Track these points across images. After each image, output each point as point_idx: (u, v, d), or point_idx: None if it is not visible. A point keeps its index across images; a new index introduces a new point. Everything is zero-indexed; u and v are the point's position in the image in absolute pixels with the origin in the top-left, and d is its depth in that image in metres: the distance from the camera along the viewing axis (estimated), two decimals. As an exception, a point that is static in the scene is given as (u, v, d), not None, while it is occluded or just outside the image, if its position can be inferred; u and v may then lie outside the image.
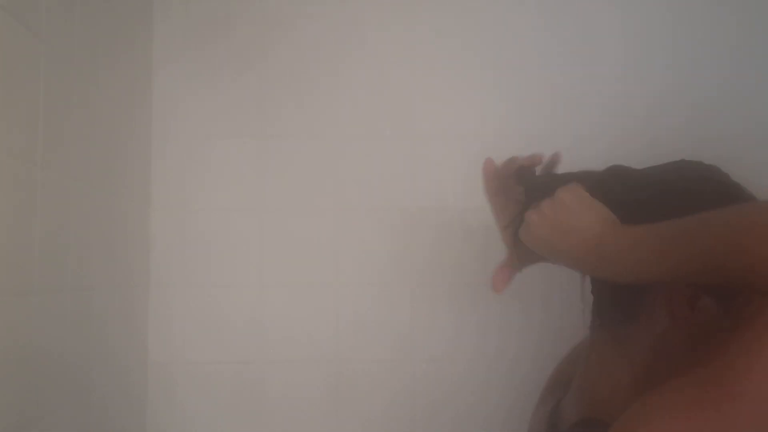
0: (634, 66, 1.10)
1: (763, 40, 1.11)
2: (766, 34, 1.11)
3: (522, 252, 0.76)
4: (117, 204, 0.92)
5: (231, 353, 1.06)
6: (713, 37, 1.11)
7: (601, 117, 1.09)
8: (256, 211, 1.07)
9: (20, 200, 0.64)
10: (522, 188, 0.78)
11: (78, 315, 0.78)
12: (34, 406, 0.67)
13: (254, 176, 1.08)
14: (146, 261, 1.05)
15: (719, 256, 0.56)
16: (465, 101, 1.09)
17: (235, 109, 1.08)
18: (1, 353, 0.60)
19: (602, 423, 0.62)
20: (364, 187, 1.08)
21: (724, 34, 1.11)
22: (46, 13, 0.69)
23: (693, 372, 0.55)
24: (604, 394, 0.68)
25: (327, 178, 1.08)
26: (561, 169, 0.78)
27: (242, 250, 1.07)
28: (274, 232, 1.07)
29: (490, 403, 1.05)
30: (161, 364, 1.05)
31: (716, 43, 1.11)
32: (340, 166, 1.08)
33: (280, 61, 1.09)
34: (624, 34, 1.11)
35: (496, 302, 1.05)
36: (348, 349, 1.07)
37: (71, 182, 0.76)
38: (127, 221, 0.97)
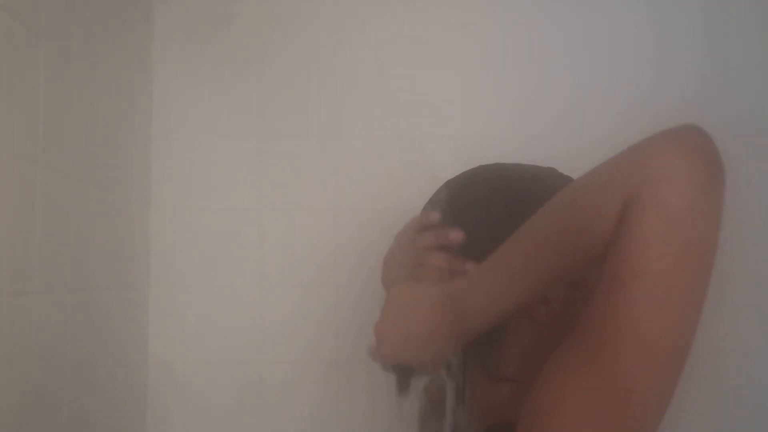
0: (637, 66, 1.10)
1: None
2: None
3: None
4: (117, 204, 0.92)
5: (231, 353, 1.06)
6: (719, 38, 1.11)
7: (602, 117, 1.09)
8: (256, 211, 1.07)
9: (20, 200, 0.64)
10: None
11: (78, 315, 0.78)
12: (34, 406, 0.67)
13: (254, 176, 1.08)
14: (146, 261, 1.05)
15: (571, 248, 0.57)
16: (466, 101, 1.09)
17: (235, 108, 1.08)
18: (1, 353, 0.60)
19: (510, 423, 0.62)
20: (364, 187, 1.08)
21: (734, 35, 1.11)
22: (46, 12, 0.69)
23: (569, 343, 0.57)
24: (503, 401, 0.68)
25: (327, 178, 1.08)
26: (569, 169, 0.77)
27: (242, 250, 1.07)
28: (273, 232, 1.07)
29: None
30: (161, 363, 1.05)
31: (737, 44, 1.10)
32: (340, 166, 1.08)
33: (280, 61, 1.08)
34: (627, 33, 1.11)
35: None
36: (348, 349, 1.07)
37: (71, 182, 0.76)
38: (127, 221, 0.97)
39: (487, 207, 0.70)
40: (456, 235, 0.70)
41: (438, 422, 0.78)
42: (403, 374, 0.73)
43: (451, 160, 1.07)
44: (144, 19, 1.05)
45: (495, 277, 0.62)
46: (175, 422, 1.05)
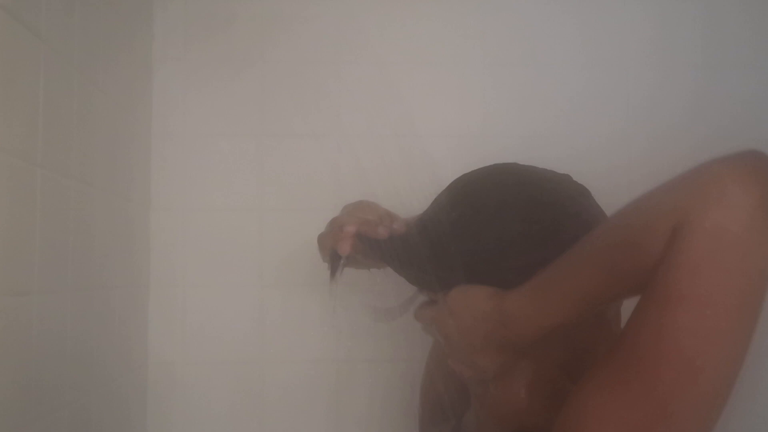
0: (638, 66, 1.10)
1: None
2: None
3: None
4: (117, 204, 0.92)
5: (231, 353, 1.06)
6: (726, 39, 1.11)
7: (601, 117, 1.09)
8: (256, 211, 1.07)
9: (20, 200, 0.64)
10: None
11: (78, 315, 0.78)
12: (34, 405, 0.67)
13: (254, 176, 1.08)
14: (146, 261, 1.05)
15: (620, 269, 0.56)
16: (466, 101, 1.09)
17: (235, 108, 1.08)
18: (1, 353, 0.60)
19: None
20: (364, 187, 1.08)
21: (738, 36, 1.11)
22: (46, 13, 0.69)
23: (609, 359, 0.56)
24: (521, 406, 0.68)
25: (327, 178, 1.08)
26: (569, 169, 0.77)
27: (242, 250, 1.07)
28: (273, 232, 1.07)
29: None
30: (161, 363, 1.05)
31: (736, 45, 1.10)
32: (340, 165, 1.08)
33: (280, 61, 1.09)
34: (628, 33, 1.11)
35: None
36: (348, 349, 1.07)
37: (71, 182, 0.76)
38: (127, 221, 0.97)
39: (501, 207, 0.69)
40: (383, 231, 0.72)
41: (442, 427, 0.78)
42: (335, 262, 0.77)
43: (450, 160, 1.07)
44: (144, 19, 1.05)
45: (546, 294, 0.61)
46: (175, 422, 1.05)
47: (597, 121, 1.09)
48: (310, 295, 1.07)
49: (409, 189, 1.08)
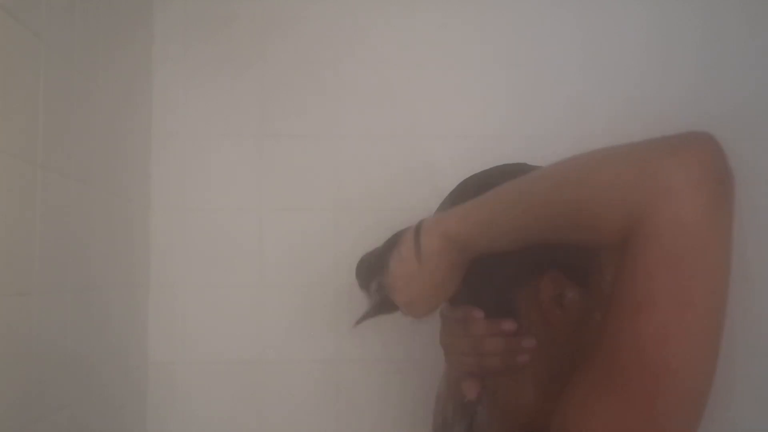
0: (636, 67, 1.10)
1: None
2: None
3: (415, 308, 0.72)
4: (117, 204, 0.92)
5: (231, 353, 1.06)
6: (727, 39, 1.11)
7: (601, 117, 1.09)
8: (256, 211, 1.07)
9: (20, 200, 0.64)
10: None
11: (78, 315, 0.78)
12: (34, 406, 0.67)
13: (254, 176, 1.08)
14: (146, 261, 1.05)
15: (563, 211, 0.57)
16: (466, 101, 1.09)
17: (235, 108, 1.08)
18: (1, 353, 0.60)
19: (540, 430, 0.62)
20: (364, 187, 1.08)
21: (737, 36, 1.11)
22: (46, 13, 0.69)
23: (590, 365, 0.56)
24: (530, 407, 0.67)
25: (326, 178, 1.08)
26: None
27: (242, 250, 1.07)
28: (273, 232, 1.07)
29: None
30: (161, 364, 1.05)
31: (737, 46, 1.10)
32: (340, 166, 1.08)
33: (280, 61, 1.09)
34: (626, 34, 1.11)
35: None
36: (348, 349, 1.07)
37: (71, 182, 0.76)
38: (127, 221, 0.97)
39: None
40: (509, 326, 0.68)
41: (457, 425, 0.78)
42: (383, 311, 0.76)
43: (450, 161, 1.07)
44: (144, 19, 1.05)
45: (487, 225, 0.62)
46: (175, 422, 1.05)
47: (597, 121, 1.09)
48: (310, 295, 1.07)
49: (409, 189, 1.08)
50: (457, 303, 0.72)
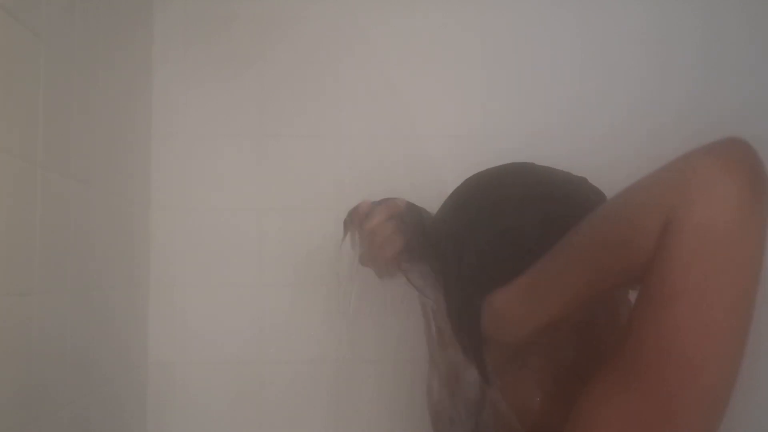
0: (636, 66, 1.10)
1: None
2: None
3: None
4: (117, 204, 0.92)
5: (231, 353, 1.06)
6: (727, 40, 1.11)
7: (601, 117, 1.09)
8: (256, 211, 1.07)
9: (20, 200, 0.64)
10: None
11: (78, 315, 0.78)
12: (34, 406, 0.67)
13: (254, 176, 1.08)
14: (146, 261, 1.05)
15: (611, 260, 0.56)
16: (465, 101, 1.09)
17: (235, 108, 1.08)
18: (1, 353, 0.60)
19: None
20: (363, 187, 1.08)
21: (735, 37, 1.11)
22: (46, 13, 0.69)
23: (614, 361, 0.56)
24: (534, 407, 0.68)
25: (326, 178, 1.08)
26: (569, 168, 0.77)
27: (242, 250, 1.07)
28: (273, 231, 1.07)
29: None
30: (161, 364, 1.05)
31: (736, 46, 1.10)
32: (340, 166, 1.08)
33: (280, 61, 1.08)
34: (625, 33, 1.11)
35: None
36: (348, 349, 1.07)
37: (71, 182, 0.76)
38: (128, 221, 0.97)
39: (518, 210, 0.69)
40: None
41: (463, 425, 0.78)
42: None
43: (450, 160, 1.07)
44: (144, 19, 1.05)
45: (534, 290, 0.61)
46: (175, 422, 1.05)
47: (596, 120, 1.09)
48: (310, 295, 1.07)
49: (409, 189, 1.08)
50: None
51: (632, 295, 0.59)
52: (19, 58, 0.64)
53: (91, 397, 0.82)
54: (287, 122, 1.08)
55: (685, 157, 0.54)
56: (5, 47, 0.61)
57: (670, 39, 1.10)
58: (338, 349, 1.07)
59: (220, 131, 1.08)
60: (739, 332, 0.52)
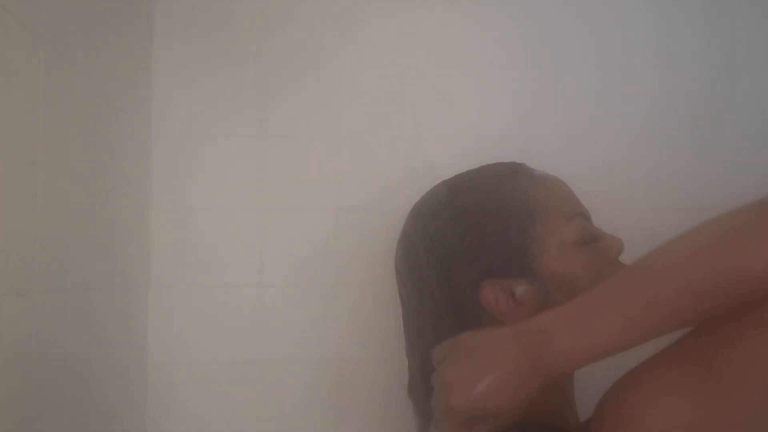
0: (641, 70, 1.10)
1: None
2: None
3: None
4: (117, 204, 0.92)
5: (231, 353, 1.06)
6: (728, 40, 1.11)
7: (604, 119, 1.09)
8: (256, 211, 1.07)
9: (20, 200, 0.64)
10: None
11: (78, 315, 0.78)
12: (33, 406, 0.67)
13: (254, 176, 1.08)
14: (146, 261, 1.05)
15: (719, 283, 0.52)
16: (467, 101, 1.09)
17: (235, 108, 1.08)
18: (1, 353, 0.60)
19: (534, 422, 0.62)
20: (364, 187, 1.08)
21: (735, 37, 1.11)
22: (46, 12, 0.69)
23: (670, 351, 0.56)
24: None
25: (327, 178, 1.08)
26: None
27: (242, 250, 1.07)
28: (274, 232, 1.07)
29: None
30: (161, 364, 1.05)
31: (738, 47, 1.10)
32: (340, 166, 1.08)
33: (279, 60, 1.08)
34: (631, 37, 1.10)
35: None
36: (348, 349, 1.07)
37: (71, 182, 0.76)
38: (127, 221, 0.97)
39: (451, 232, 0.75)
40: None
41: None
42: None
43: (451, 161, 1.07)
44: (143, 18, 1.05)
45: (603, 318, 0.54)
46: (174, 422, 1.05)
47: (597, 122, 1.09)
48: (310, 295, 1.07)
49: (409, 189, 1.08)
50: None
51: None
52: (19, 58, 0.64)
53: (90, 398, 0.82)
54: (287, 122, 1.08)
55: None
56: (5, 47, 0.61)
57: (678, 42, 1.10)
58: (338, 349, 1.07)
59: (219, 130, 1.08)
60: None
